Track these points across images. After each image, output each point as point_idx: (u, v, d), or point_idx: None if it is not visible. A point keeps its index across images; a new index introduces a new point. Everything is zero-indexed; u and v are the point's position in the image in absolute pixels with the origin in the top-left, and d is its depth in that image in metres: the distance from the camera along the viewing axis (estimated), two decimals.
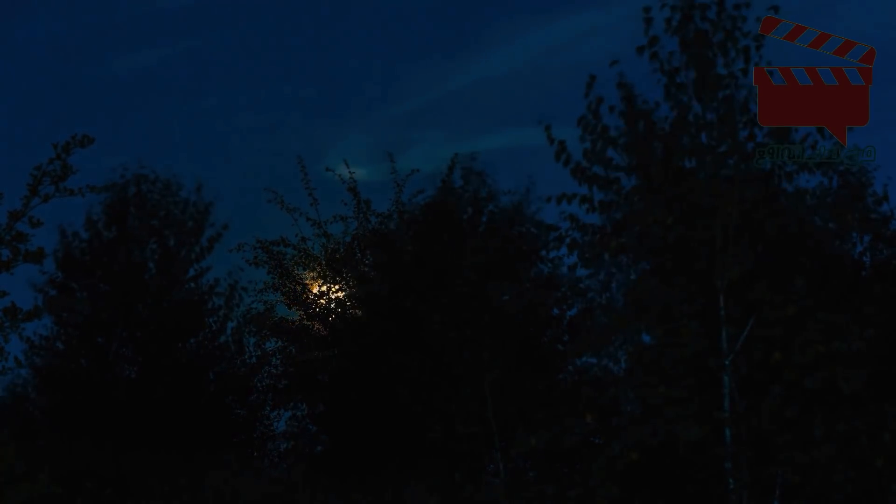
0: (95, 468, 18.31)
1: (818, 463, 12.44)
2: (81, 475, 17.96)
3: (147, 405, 19.41)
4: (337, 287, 20.57)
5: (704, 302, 12.91)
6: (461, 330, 17.43)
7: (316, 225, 21.04)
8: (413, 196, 19.98)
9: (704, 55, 12.89)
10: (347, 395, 19.41)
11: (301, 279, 20.87)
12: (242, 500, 17.56)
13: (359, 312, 19.97)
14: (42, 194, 13.26)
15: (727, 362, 12.84)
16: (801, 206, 13.26)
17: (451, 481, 17.45)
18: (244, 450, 20.48)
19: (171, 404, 19.55)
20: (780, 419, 12.53)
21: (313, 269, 20.84)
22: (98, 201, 20.28)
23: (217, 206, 20.76)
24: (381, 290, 19.02)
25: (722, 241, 12.84)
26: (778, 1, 12.79)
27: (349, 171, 20.88)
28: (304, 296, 20.64)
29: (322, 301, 20.50)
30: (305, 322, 20.50)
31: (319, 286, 20.70)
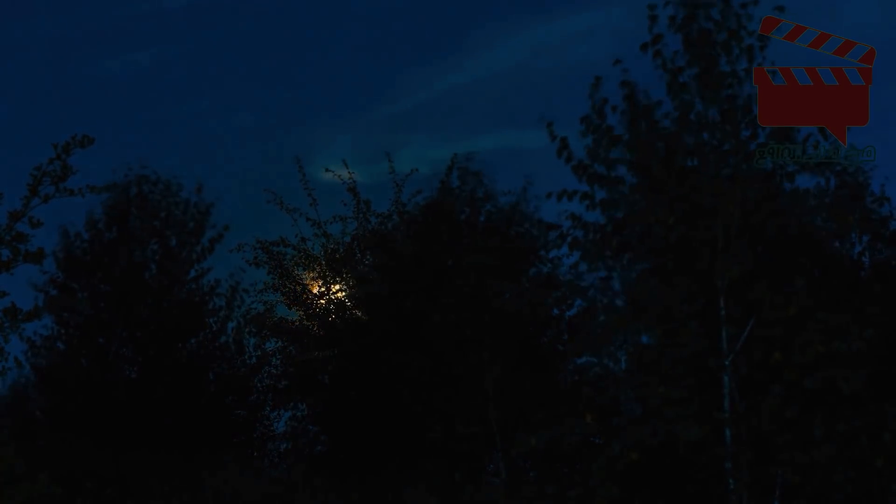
0: (95, 468, 18.31)
1: (818, 463, 12.45)
2: (81, 475, 17.96)
3: (147, 405, 19.40)
4: (337, 287, 20.58)
5: (705, 302, 12.90)
6: (461, 330, 17.43)
7: (316, 225, 21.06)
8: (412, 196, 20.01)
9: (708, 53, 12.89)
10: (347, 396, 19.41)
11: (301, 279, 20.87)
12: (242, 500, 17.56)
13: (359, 313, 19.98)
14: (42, 195, 13.26)
15: (727, 362, 12.84)
16: (801, 207, 13.26)
17: (451, 481, 17.44)
18: (244, 450, 20.47)
19: (171, 404, 19.54)
20: (780, 419, 12.53)
21: (313, 270, 20.84)
22: (99, 202, 20.32)
23: (216, 207, 20.80)
24: (381, 290, 19.02)
25: (723, 241, 12.84)
26: (779, 1, 12.80)
27: (349, 172, 20.91)
28: (304, 296, 20.64)
29: (322, 301, 20.51)
30: (305, 322, 20.50)
31: (319, 286, 20.70)
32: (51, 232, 19.61)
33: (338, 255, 20.72)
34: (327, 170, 21.20)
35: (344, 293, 20.50)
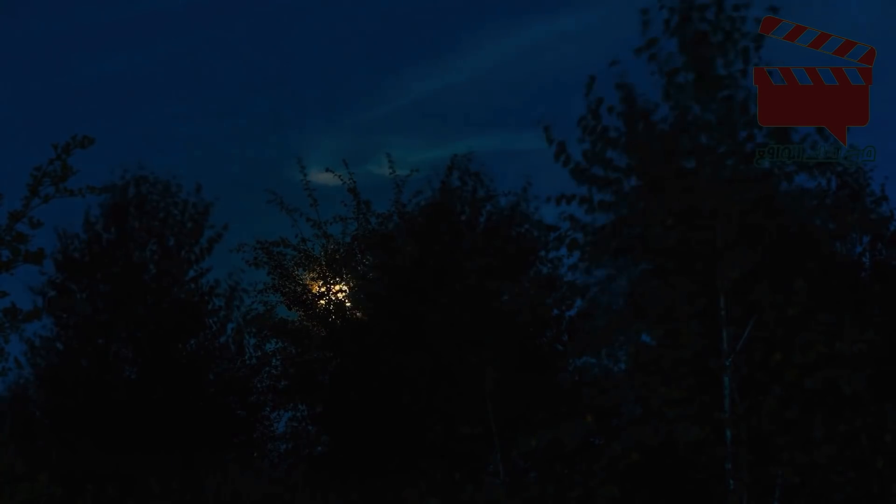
0: (96, 468, 18.31)
1: (818, 463, 12.45)
2: (81, 476, 17.95)
3: (147, 406, 19.41)
4: (337, 288, 20.58)
5: (705, 302, 12.90)
6: (461, 330, 17.43)
7: (316, 226, 21.06)
8: (413, 197, 20.01)
9: (703, 56, 12.89)
10: (347, 396, 19.41)
11: (301, 280, 20.87)
12: (243, 500, 17.56)
13: (359, 313, 19.98)
14: (42, 195, 13.24)
15: (728, 363, 12.83)
16: (801, 207, 13.26)
17: (451, 482, 17.44)
18: (244, 450, 20.47)
19: (171, 405, 19.55)
20: (780, 420, 12.53)
21: (313, 270, 20.85)
22: (97, 202, 20.34)
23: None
24: (381, 290, 19.02)
25: (722, 242, 12.84)
26: (778, 1, 12.79)
27: (349, 172, 20.92)
28: (305, 297, 20.64)
29: (322, 302, 20.51)
30: (305, 323, 20.50)
31: (319, 287, 20.70)
32: (49, 234, 19.64)
33: (338, 256, 20.73)
34: (328, 169, 21.23)
35: (344, 294, 20.50)
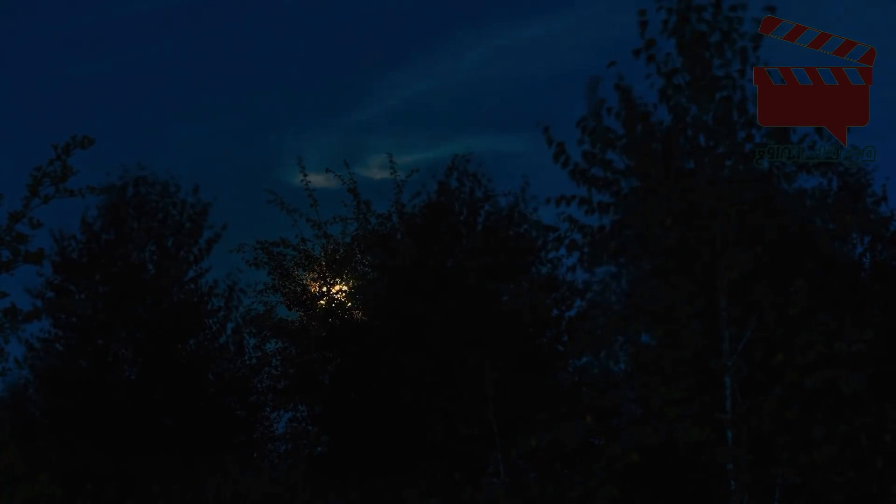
0: (95, 469, 18.31)
1: (819, 464, 12.44)
2: (81, 476, 17.96)
3: (147, 406, 19.41)
4: (337, 288, 20.59)
5: (705, 302, 12.90)
6: (461, 330, 17.44)
7: (316, 226, 21.06)
8: (412, 197, 20.02)
9: (701, 56, 12.88)
10: (347, 396, 19.41)
11: (301, 280, 20.88)
12: (243, 501, 17.56)
13: (359, 313, 19.99)
14: (42, 195, 13.24)
15: (728, 363, 12.83)
16: (801, 207, 13.25)
17: (451, 482, 17.44)
18: (244, 451, 20.47)
19: (170, 405, 19.56)
20: (780, 420, 12.52)
21: (313, 270, 20.85)
22: (94, 203, 20.35)
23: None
24: (381, 290, 19.03)
25: (721, 242, 12.83)
26: (779, 1, 12.80)
27: (349, 173, 20.94)
28: (304, 297, 20.65)
29: (322, 302, 20.51)
30: (305, 323, 20.50)
31: (319, 287, 20.70)
32: (45, 235, 19.65)
33: (338, 256, 20.74)
34: (327, 170, 21.26)
35: (344, 294, 20.51)
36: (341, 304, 20.33)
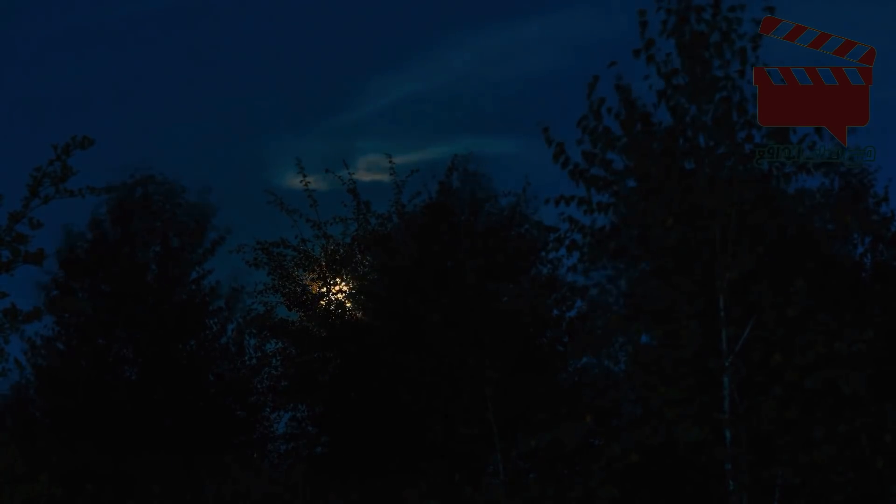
0: (96, 469, 18.32)
1: (818, 464, 12.44)
2: (82, 476, 17.97)
3: (147, 406, 19.42)
4: (337, 288, 20.60)
5: (705, 302, 12.90)
6: (461, 331, 17.44)
7: (316, 226, 21.08)
8: (413, 198, 20.03)
9: (701, 57, 12.88)
10: (347, 397, 19.42)
11: (301, 280, 20.89)
12: (242, 501, 17.56)
13: (359, 314, 19.99)
14: (42, 195, 13.24)
15: (727, 363, 12.83)
16: (801, 207, 13.25)
17: (451, 482, 17.45)
18: (244, 451, 20.48)
19: (171, 405, 19.57)
20: (780, 420, 12.52)
21: (313, 271, 20.86)
22: (103, 202, 20.39)
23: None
24: (381, 290, 19.03)
25: (721, 242, 12.83)
26: (779, 1, 12.80)
27: (349, 173, 20.96)
28: (305, 297, 20.66)
29: (322, 302, 20.52)
30: (305, 323, 20.51)
31: (319, 287, 20.71)
32: (54, 231, 19.68)
33: (338, 256, 20.74)
34: (327, 170, 21.29)
35: (344, 294, 20.53)
36: (341, 304, 20.33)
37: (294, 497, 17.72)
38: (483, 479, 17.86)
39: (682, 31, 12.93)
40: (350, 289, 20.46)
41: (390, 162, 20.65)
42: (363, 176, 20.65)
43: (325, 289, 20.65)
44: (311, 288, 20.78)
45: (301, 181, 21.28)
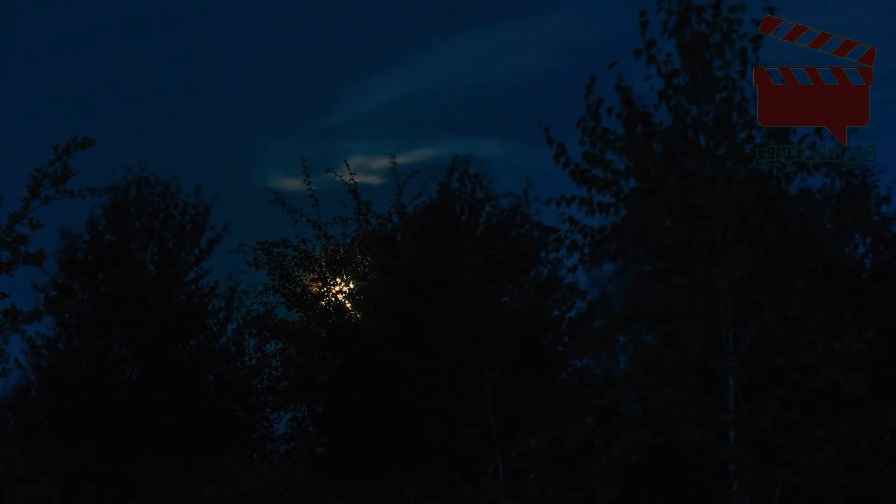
0: (96, 469, 18.32)
1: (819, 464, 12.43)
2: (82, 476, 17.97)
3: (147, 407, 19.42)
4: (337, 289, 20.60)
5: (706, 303, 12.89)
6: (461, 331, 17.43)
7: (316, 226, 21.07)
8: (413, 198, 20.02)
9: (701, 57, 12.88)
10: (347, 397, 19.41)
11: (301, 281, 20.89)
12: (242, 501, 17.56)
13: (359, 314, 19.99)
14: (42, 196, 13.22)
15: (729, 363, 12.82)
16: (801, 208, 13.25)
17: (451, 482, 17.44)
18: (244, 451, 20.48)
19: (171, 406, 19.56)
20: (781, 421, 12.51)
21: (314, 271, 20.86)
22: (99, 203, 20.37)
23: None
24: (381, 291, 19.02)
25: (722, 242, 12.83)
26: (779, 1, 12.80)
27: (350, 174, 20.95)
28: (305, 297, 20.65)
29: (322, 303, 20.51)
30: (305, 324, 20.50)
31: (319, 287, 20.71)
32: (52, 233, 19.67)
33: (338, 257, 20.74)
34: (328, 170, 21.28)
35: (344, 294, 20.52)
36: (341, 304, 20.33)
37: (294, 497, 17.72)
38: (483, 479, 17.85)
39: (682, 32, 12.93)
40: (350, 289, 20.45)
41: (392, 162, 20.65)
42: (347, 177, 20.71)
43: (325, 289, 20.64)
44: (311, 288, 20.77)
45: (304, 181, 21.30)
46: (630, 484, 13.29)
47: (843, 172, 14.25)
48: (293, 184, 21.30)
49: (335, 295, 20.62)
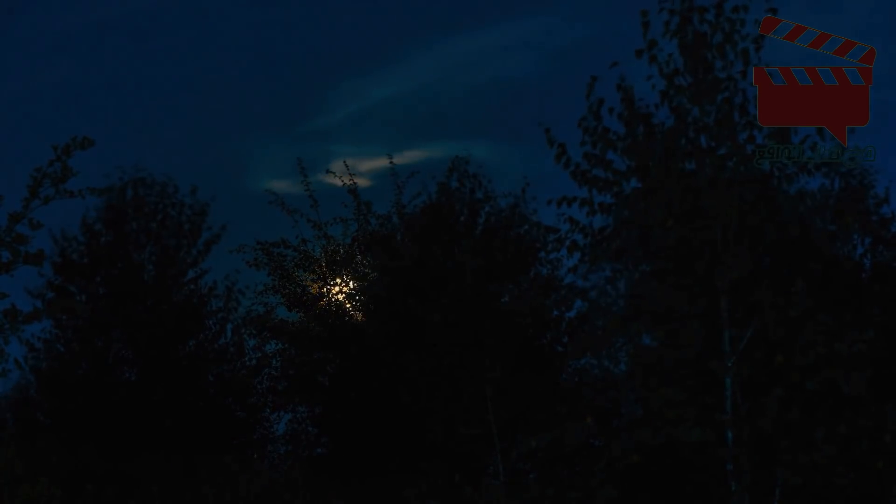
0: (96, 470, 18.32)
1: (819, 464, 12.43)
2: (82, 477, 17.96)
3: (147, 407, 19.41)
4: (337, 289, 20.60)
5: (706, 303, 12.89)
6: (461, 331, 17.43)
7: (316, 227, 21.07)
8: (413, 198, 20.02)
9: (703, 57, 12.88)
10: (347, 397, 19.41)
11: (301, 281, 20.88)
12: (242, 501, 17.56)
13: (359, 314, 19.99)
14: (42, 196, 13.21)
15: (729, 364, 12.82)
16: (802, 208, 13.24)
17: (451, 483, 17.44)
18: (244, 451, 20.47)
19: (170, 406, 19.55)
20: (781, 421, 12.51)
21: (313, 271, 20.85)
22: (93, 205, 20.37)
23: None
24: (381, 291, 19.02)
25: (722, 243, 12.83)
26: (779, 1, 12.80)
27: (349, 174, 20.95)
28: (305, 298, 20.65)
29: (322, 303, 20.51)
30: (305, 324, 20.50)
31: (319, 288, 20.70)
32: (45, 236, 19.66)
33: (338, 257, 20.74)
34: (328, 171, 21.28)
35: (344, 294, 20.52)
36: (341, 304, 20.33)
37: (294, 497, 17.72)
38: (483, 479, 17.85)
39: (684, 32, 12.92)
40: (350, 289, 20.45)
41: (391, 163, 20.64)
42: (336, 180, 20.77)
43: (325, 289, 20.63)
44: (311, 288, 20.77)
45: (301, 182, 21.30)
46: (630, 484, 13.29)
47: (843, 173, 14.25)
48: (282, 185, 21.39)
49: (335, 295, 20.62)
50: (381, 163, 20.72)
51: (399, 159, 20.61)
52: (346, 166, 20.98)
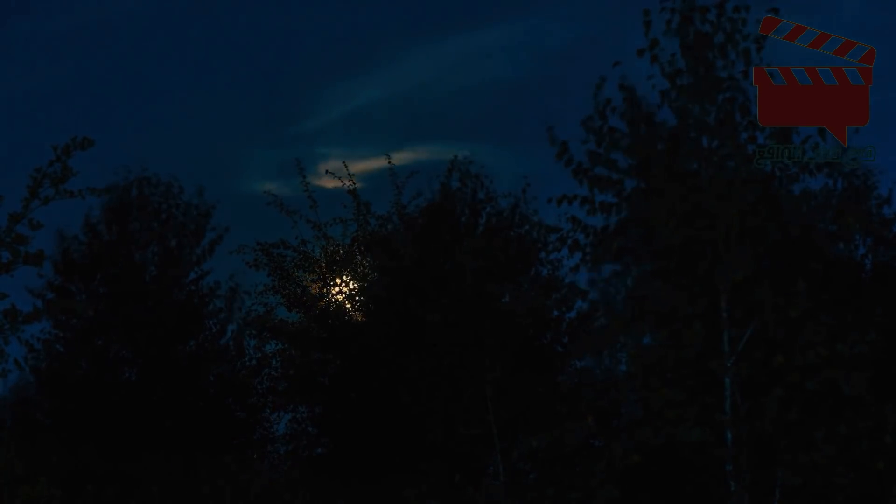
0: (96, 470, 18.31)
1: (819, 465, 12.43)
2: (82, 477, 17.96)
3: (147, 407, 19.41)
4: (337, 289, 20.60)
5: (707, 303, 12.88)
6: (461, 331, 17.43)
7: (316, 227, 21.08)
8: (413, 199, 20.03)
9: (704, 57, 12.87)
10: (347, 397, 19.41)
11: (301, 281, 20.89)
12: (242, 501, 17.56)
13: (359, 314, 19.99)
14: (42, 196, 13.21)
15: (728, 364, 12.82)
16: (803, 208, 13.24)
17: (451, 483, 17.44)
18: (244, 452, 20.47)
19: (170, 406, 19.55)
20: (781, 421, 12.51)
21: (313, 272, 20.86)
22: (97, 204, 20.36)
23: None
24: (381, 291, 19.03)
25: (724, 243, 12.82)
26: (779, 2, 12.80)
27: (349, 175, 20.96)
28: (304, 298, 20.65)
29: (322, 303, 20.51)
30: (305, 324, 20.50)
31: (319, 288, 20.71)
32: (47, 236, 19.65)
33: (338, 257, 20.74)
34: (327, 171, 21.29)
35: (344, 295, 20.53)
36: (341, 305, 20.33)
37: (294, 497, 17.72)
38: (483, 479, 17.85)
39: (686, 32, 12.91)
40: (350, 290, 20.45)
41: (389, 163, 20.64)
42: (326, 182, 20.82)
43: (324, 290, 20.64)
44: (311, 289, 20.77)
45: (301, 182, 21.32)
46: (630, 484, 13.29)
47: (845, 173, 14.24)
48: (273, 187, 21.43)
49: (335, 295, 20.62)
50: (373, 164, 20.74)
51: (386, 162, 20.64)
52: (346, 167, 21.02)
